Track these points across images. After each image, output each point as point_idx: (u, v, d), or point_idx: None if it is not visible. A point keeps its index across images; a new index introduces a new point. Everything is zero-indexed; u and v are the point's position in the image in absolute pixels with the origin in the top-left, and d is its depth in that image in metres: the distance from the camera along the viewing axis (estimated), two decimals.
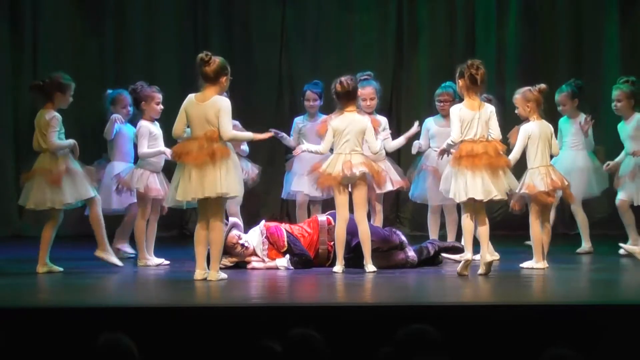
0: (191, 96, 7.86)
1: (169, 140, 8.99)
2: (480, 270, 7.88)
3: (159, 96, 8.89)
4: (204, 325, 6.01)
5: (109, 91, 9.50)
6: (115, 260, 8.53)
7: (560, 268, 8.48)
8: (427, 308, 6.41)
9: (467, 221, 7.98)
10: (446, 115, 9.00)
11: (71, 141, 8.38)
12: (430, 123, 9.49)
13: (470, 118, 7.96)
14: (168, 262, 8.86)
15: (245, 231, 8.85)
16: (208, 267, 7.78)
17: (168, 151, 8.44)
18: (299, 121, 9.87)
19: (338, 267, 8.25)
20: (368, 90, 9.30)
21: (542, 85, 8.38)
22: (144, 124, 8.82)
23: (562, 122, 9.64)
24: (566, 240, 10.28)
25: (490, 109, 8.05)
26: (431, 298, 7.25)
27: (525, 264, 8.30)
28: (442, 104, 9.43)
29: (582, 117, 9.54)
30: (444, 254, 8.93)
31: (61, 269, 8.30)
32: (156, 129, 8.83)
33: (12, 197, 11.67)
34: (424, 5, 11.96)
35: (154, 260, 8.79)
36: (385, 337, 4.77)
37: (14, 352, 5.71)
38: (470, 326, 5.97)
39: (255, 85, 11.62)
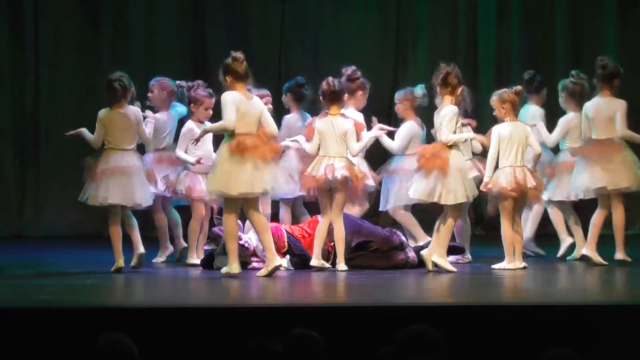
0: (235, 93, 7.92)
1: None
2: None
3: (211, 102, 8.75)
4: (204, 326, 6.00)
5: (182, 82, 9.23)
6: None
7: (560, 268, 8.49)
8: (427, 308, 6.42)
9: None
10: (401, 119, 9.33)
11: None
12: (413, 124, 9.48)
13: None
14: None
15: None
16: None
17: (192, 161, 8.56)
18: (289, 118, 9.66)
19: (316, 262, 8.36)
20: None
21: (518, 87, 8.49)
22: (189, 125, 8.74)
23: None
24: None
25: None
26: (431, 298, 7.25)
27: (497, 265, 8.32)
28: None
29: None
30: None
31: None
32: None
33: (12, 198, 11.69)
34: (424, 5, 11.96)
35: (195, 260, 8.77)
36: (385, 337, 4.77)
37: (15, 353, 5.71)
38: (470, 326, 5.98)
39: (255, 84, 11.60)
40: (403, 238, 8.83)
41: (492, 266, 8.32)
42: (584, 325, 6.00)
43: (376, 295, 7.37)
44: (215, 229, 8.45)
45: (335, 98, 8.42)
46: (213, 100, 8.72)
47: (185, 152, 8.65)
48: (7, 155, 11.68)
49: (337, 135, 8.33)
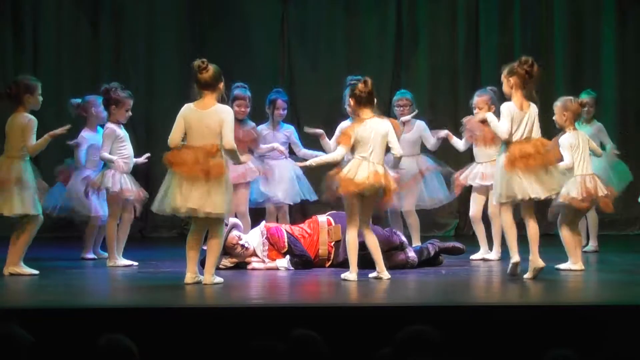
0: (189, 105, 7.64)
1: (149, 143, 9.03)
2: (528, 275, 7.78)
3: (130, 102, 8.97)
4: (204, 326, 6.01)
5: (75, 100, 9.42)
6: (28, 270, 8.23)
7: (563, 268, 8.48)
8: (427, 308, 6.41)
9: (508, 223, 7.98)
10: (406, 121, 9.46)
11: (46, 138, 8.26)
12: None
13: (520, 117, 7.91)
14: (137, 263, 8.89)
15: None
16: (200, 272, 7.75)
17: (119, 162, 8.70)
18: (262, 128, 9.74)
19: (352, 275, 7.83)
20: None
21: (584, 99, 8.66)
22: (110, 126, 8.89)
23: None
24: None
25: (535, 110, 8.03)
26: (431, 298, 7.25)
27: (562, 266, 8.33)
28: (401, 108, 9.58)
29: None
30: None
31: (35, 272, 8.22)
32: (122, 131, 8.92)
33: None
34: (424, 6, 11.96)
35: (122, 261, 8.83)
36: (385, 337, 4.77)
37: (14, 353, 5.71)
38: (470, 326, 5.97)
39: (255, 84, 11.59)
40: (403, 238, 8.83)
41: (556, 266, 8.32)
42: (584, 326, 6.00)
43: (376, 295, 7.37)
44: None
45: (370, 100, 7.98)
46: (131, 101, 8.96)
47: (110, 153, 8.85)
48: None
49: (378, 139, 7.89)
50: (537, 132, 7.94)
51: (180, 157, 7.52)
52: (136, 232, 11.20)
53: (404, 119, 9.51)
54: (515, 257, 7.81)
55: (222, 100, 7.73)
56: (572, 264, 8.28)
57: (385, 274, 7.87)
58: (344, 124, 8.66)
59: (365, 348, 5.39)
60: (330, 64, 11.68)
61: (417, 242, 9.49)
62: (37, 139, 8.21)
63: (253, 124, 9.51)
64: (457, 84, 11.87)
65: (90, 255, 9.35)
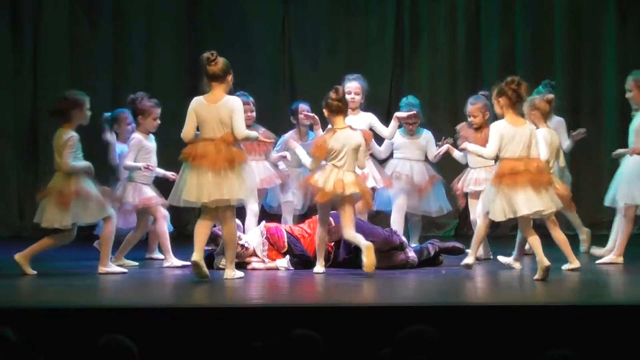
0: (199, 98, 7.83)
1: (166, 149, 9.05)
2: (537, 276, 7.78)
3: (158, 111, 8.93)
4: (204, 326, 6.01)
5: (107, 114, 9.29)
6: (118, 268, 8.38)
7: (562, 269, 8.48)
8: (427, 308, 6.41)
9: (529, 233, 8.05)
10: (412, 134, 9.62)
11: (86, 164, 8.25)
12: (397, 137, 9.66)
13: (512, 134, 7.95)
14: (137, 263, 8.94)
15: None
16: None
17: (152, 167, 8.71)
18: (288, 137, 9.70)
19: (319, 268, 8.26)
20: (354, 84, 9.42)
21: (550, 96, 8.57)
22: (136, 136, 8.89)
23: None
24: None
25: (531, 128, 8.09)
26: (431, 298, 7.24)
27: (602, 260, 8.62)
28: (410, 126, 9.68)
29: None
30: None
31: (34, 272, 8.24)
32: (149, 142, 8.90)
33: (12, 198, 11.69)
34: (425, 6, 11.95)
35: (113, 267, 8.79)
36: (385, 337, 4.77)
37: (14, 353, 5.71)
38: (470, 326, 5.98)
39: (255, 85, 11.60)
40: (403, 238, 8.84)
41: (597, 262, 8.60)
42: (584, 326, 6.00)
43: (376, 295, 7.37)
44: (215, 229, 8.45)
45: (343, 108, 8.25)
46: (159, 110, 8.92)
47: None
48: (7, 156, 11.68)
49: (352, 149, 8.18)
50: (535, 152, 7.98)
51: (200, 149, 7.71)
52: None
53: (400, 114, 9.42)
54: (471, 259, 8.08)
55: (230, 93, 7.91)
56: (615, 257, 8.56)
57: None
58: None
59: (365, 348, 5.39)
60: (330, 64, 11.67)
61: (415, 243, 9.50)
62: (81, 154, 8.25)
63: (263, 129, 9.50)
64: (457, 84, 11.87)
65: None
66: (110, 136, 9.09)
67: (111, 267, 8.33)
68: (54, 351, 5.61)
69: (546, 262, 7.69)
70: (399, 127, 9.53)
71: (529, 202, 7.84)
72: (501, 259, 8.55)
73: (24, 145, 11.70)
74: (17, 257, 8.27)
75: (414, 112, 9.49)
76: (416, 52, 11.94)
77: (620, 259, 8.72)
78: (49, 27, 11.68)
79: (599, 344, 5.84)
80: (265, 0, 11.89)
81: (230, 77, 7.86)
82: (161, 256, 9.16)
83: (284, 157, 9.55)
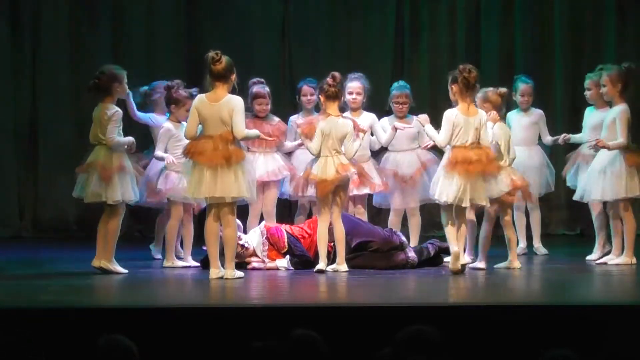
0: (202, 96, 7.91)
1: (149, 140, 9.01)
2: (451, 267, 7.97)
3: (191, 103, 8.72)
4: (204, 326, 6.00)
5: (144, 88, 9.29)
6: (119, 269, 8.30)
7: (562, 269, 8.49)
8: (427, 308, 6.42)
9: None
10: (402, 117, 9.35)
11: (130, 139, 8.24)
12: (385, 123, 9.46)
13: (463, 123, 7.98)
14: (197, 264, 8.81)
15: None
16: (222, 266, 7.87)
17: (169, 158, 8.57)
18: (294, 119, 9.63)
19: (322, 265, 8.26)
20: (355, 84, 9.38)
21: (503, 89, 8.55)
22: (167, 126, 8.78)
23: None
24: (566, 240, 10.28)
25: (483, 115, 8.11)
26: (431, 298, 7.25)
27: (614, 261, 8.58)
28: (400, 106, 9.45)
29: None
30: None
31: (125, 271, 8.20)
32: (180, 132, 8.61)
33: (12, 198, 11.69)
34: (425, 6, 11.95)
35: (191, 261, 8.77)
36: (385, 337, 4.77)
37: (15, 353, 5.71)
38: (470, 326, 5.97)
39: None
40: (403, 238, 8.84)
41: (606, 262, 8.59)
42: (584, 326, 6.00)
43: (376, 295, 7.37)
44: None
45: (337, 95, 8.35)
46: (192, 101, 8.73)
47: (165, 152, 8.73)
48: (7, 155, 11.68)
49: (338, 137, 8.30)
50: (485, 140, 8.05)
51: (199, 146, 7.79)
52: (136, 232, 11.21)
53: (398, 125, 9.32)
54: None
55: (233, 92, 7.95)
56: (512, 263, 8.38)
57: (343, 267, 8.25)
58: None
59: (365, 348, 5.39)
60: (330, 64, 11.64)
61: (415, 242, 9.47)
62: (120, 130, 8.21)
63: (278, 119, 9.48)
64: None
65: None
66: (128, 97, 8.85)
67: (114, 264, 8.26)
68: (54, 351, 5.62)
69: (455, 248, 7.93)
70: (389, 112, 9.48)
71: (475, 193, 7.96)
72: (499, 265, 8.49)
73: (24, 145, 11.70)
74: (102, 263, 8.15)
75: (406, 92, 9.45)
76: (416, 52, 11.94)
77: (634, 260, 8.66)
78: (49, 27, 11.69)
79: (599, 344, 5.84)
80: (265, 0, 11.89)
81: (233, 77, 7.92)
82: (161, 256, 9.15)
83: (300, 145, 9.37)
